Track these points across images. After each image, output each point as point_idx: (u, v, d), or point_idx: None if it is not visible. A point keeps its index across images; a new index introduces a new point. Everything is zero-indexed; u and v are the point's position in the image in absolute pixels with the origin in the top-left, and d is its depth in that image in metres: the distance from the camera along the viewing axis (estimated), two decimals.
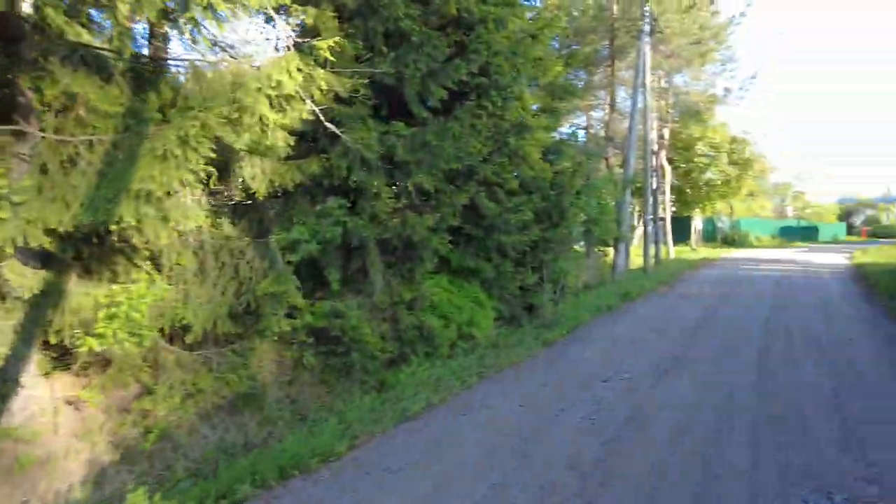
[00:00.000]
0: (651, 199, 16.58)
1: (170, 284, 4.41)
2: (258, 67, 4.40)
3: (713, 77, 26.63)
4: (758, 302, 11.40)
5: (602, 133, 22.10)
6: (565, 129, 23.53)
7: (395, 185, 6.43)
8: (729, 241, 37.39)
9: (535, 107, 10.90)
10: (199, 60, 4.61)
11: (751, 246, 36.64)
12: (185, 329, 4.40)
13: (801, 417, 4.86)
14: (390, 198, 6.23)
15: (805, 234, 45.63)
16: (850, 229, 58.05)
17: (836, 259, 22.65)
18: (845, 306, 10.83)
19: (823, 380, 5.98)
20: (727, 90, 26.44)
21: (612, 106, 19.19)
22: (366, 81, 5.67)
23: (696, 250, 28.81)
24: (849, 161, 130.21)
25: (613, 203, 16.57)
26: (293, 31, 5.46)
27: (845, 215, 63.86)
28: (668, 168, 26.88)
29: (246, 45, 6.52)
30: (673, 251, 26.46)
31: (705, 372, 6.37)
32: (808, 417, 4.85)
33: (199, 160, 3.84)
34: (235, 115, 4.03)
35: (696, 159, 27.65)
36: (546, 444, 4.39)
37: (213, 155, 3.94)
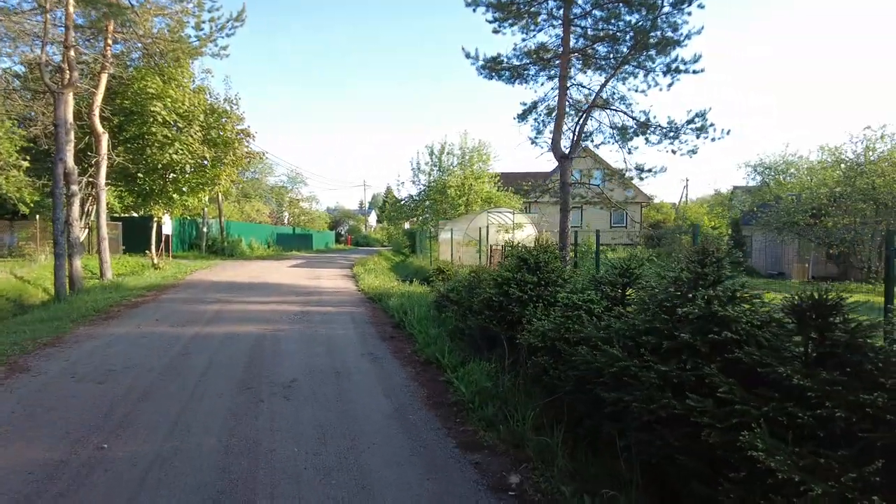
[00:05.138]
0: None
1: None
2: None
3: (183, 14, 17.89)
4: None
5: None
6: None
7: None
8: (217, 250, 29.60)
9: None
10: None
11: (243, 256, 29.92)
12: None
13: None
14: None
15: (301, 242, 43.45)
16: (339, 237, 61.35)
17: (341, 282, 17.11)
18: None
19: None
20: (201, 31, 18.13)
21: None
22: None
23: (160, 266, 19.22)
24: (337, 174, 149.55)
25: None
26: None
27: (334, 224, 67.92)
28: (105, 136, 16.30)
29: None
30: (110, 271, 16.00)
31: None
32: None
33: None
34: None
35: (153, 129, 17.84)
36: None
37: None
